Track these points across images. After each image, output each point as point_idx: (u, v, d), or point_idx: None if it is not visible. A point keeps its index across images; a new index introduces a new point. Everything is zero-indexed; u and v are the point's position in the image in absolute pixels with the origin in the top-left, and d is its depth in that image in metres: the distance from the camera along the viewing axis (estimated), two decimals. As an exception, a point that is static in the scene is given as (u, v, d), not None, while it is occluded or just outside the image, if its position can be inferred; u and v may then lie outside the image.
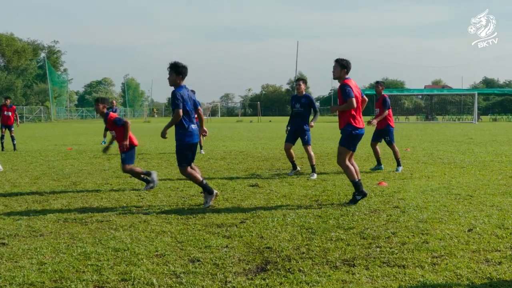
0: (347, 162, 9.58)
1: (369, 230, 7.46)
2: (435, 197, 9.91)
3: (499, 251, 6.40)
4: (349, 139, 9.59)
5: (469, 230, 7.36)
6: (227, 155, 19.15)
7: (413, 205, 9.12)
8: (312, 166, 13.23)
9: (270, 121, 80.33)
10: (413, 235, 7.12)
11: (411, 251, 6.41)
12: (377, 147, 14.35)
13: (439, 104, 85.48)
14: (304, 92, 13.27)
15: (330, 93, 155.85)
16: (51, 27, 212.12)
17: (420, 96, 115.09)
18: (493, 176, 12.73)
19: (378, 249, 6.51)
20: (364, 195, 9.38)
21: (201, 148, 20.01)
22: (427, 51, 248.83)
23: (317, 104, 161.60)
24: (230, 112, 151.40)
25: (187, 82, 9.72)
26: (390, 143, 14.25)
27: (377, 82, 14.49)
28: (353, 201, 9.33)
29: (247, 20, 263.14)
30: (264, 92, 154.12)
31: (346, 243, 6.82)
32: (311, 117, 13.46)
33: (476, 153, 19.01)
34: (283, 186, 11.53)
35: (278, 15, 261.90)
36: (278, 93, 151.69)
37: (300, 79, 13.44)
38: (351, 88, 9.48)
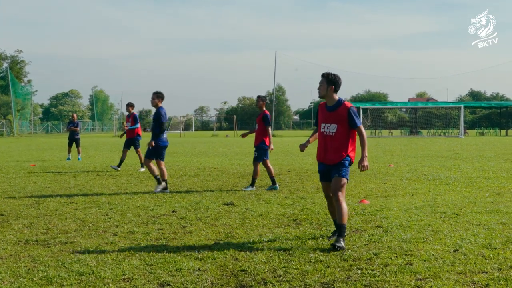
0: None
1: (349, 251, 7.45)
2: (420, 216, 9.95)
3: (486, 272, 6.42)
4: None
5: (454, 251, 7.39)
6: (201, 171, 19.10)
7: (396, 224, 9.14)
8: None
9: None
10: (396, 256, 7.13)
11: (394, 273, 6.41)
12: (269, 165, 14.25)
13: (424, 117, 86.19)
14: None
15: (310, 106, 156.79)
16: (14, 36, 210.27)
17: (404, 109, 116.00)
18: (480, 193, 12.82)
19: (359, 272, 6.50)
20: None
21: (141, 166, 19.91)
22: (411, 62, 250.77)
23: (296, 117, 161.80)
24: (204, 126, 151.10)
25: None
26: (256, 160, 14.12)
27: (258, 97, 14.49)
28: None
29: (223, 31, 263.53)
30: (240, 105, 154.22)
31: (326, 265, 6.81)
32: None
33: (462, 169, 19.16)
34: (260, 205, 11.51)
35: (255, 26, 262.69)
36: (256, 106, 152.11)
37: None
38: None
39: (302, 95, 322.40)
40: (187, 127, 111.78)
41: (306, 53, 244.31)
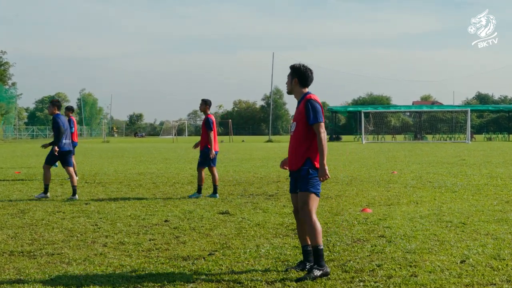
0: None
1: (351, 262, 7.46)
2: (425, 225, 9.97)
3: (495, 284, 6.44)
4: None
5: (461, 262, 7.40)
6: (195, 178, 19.07)
7: (400, 234, 9.15)
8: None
9: (243, 141, 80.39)
10: (400, 268, 7.13)
11: (398, 285, 6.42)
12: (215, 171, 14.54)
13: (429, 121, 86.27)
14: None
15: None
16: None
17: (408, 113, 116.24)
18: (488, 202, 12.85)
19: (361, 284, 6.51)
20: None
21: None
22: (415, 64, 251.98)
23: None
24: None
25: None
26: (200, 165, 14.45)
27: (202, 100, 14.90)
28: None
29: (217, 30, 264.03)
30: (236, 108, 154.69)
31: (327, 277, 6.81)
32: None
33: (469, 176, 19.19)
34: (257, 214, 11.51)
35: (252, 25, 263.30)
36: (252, 110, 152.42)
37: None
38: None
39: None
40: (180, 132, 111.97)
41: (305, 53, 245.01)
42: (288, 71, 7.38)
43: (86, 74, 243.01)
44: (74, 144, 20.68)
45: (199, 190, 14.30)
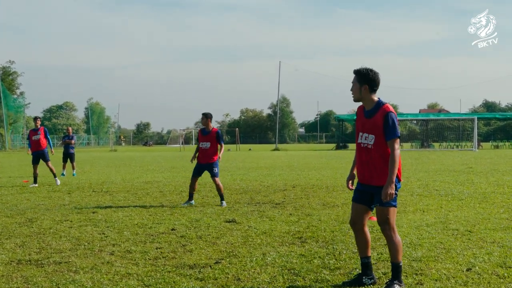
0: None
1: (357, 270, 7.46)
2: (431, 233, 9.96)
3: (501, 292, 6.44)
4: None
5: (467, 270, 7.40)
6: (202, 187, 19.11)
7: (406, 242, 9.15)
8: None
9: (250, 149, 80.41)
10: (406, 276, 7.14)
11: (404, 293, 6.41)
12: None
13: (436, 129, 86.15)
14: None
15: (316, 118, 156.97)
16: (6, 46, 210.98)
17: (415, 121, 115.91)
18: (495, 210, 12.82)
19: (367, 292, 6.51)
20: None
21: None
22: (421, 72, 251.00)
23: (302, 130, 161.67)
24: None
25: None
26: (217, 175, 14.83)
27: (204, 114, 15.13)
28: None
29: (224, 39, 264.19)
30: (243, 117, 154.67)
31: (333, 285, 6.82)
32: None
33: (476, 184, 19.16)
34: (263, 222, 11.52)
35: (258, 35, 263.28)
36: (259, 118, 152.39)
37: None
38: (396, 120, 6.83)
39: (308, 107, 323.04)
40: (187, 140, 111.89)
41: (311, 62, 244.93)
42: (294, 79, 7.25)
43: (94, 83, 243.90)
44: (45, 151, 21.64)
45: (222, 197, 14.70)
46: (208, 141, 14.78)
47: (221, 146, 14.88)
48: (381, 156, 6.72)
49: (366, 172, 6.88)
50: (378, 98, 6.88)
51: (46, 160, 21.63)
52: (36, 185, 20.59)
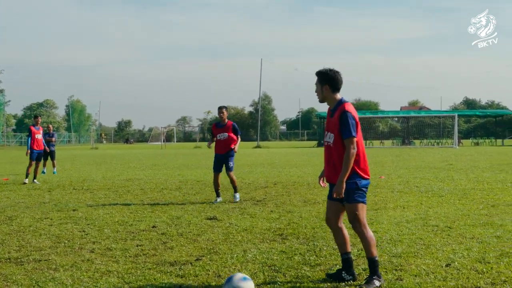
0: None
1: (338, 266, 7.49)
2: (411, 229, 10.02)
3: (479, 287, 6.49)
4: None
5: (447, 265, 7.45)
6: (183, 184, 19.09)
7: (386, 238, 9.20)
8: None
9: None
10: (386, 272, 7.17)
11: (384, 289, 6.45)
12: None
13: (417, 127, 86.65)
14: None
15: (298, 115, 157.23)
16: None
17: (396, 119, 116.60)
18: (474, 206, 12.92)
19: (347, 288, 6.54)
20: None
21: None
22: (403, 69, 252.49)
23: (283, 127, 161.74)
24: (187, 137, 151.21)
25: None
26: (232, 169, 14.84)
27: (224, 107, 15.16)
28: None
29: (206, 37, 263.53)
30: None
31: (313, 281, 6.84)
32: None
33: (456, 180, 19.28)
34: (244, 219, 11.53)
35: (240, 32, 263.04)
36: (241, 116, 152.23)
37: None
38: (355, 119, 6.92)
39: (290, 104, 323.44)
40: (168, 138, 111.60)
41: (293, 60, 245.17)
42: (276, 77, 7.33)
43: (74, 81, 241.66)
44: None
45: (236, 189, 14.83)
46: (225, 132, 14.80)
47: (238, 138, 14.91)
48: (340, 155, 6.81)
49: (327, 170, 7.06)
50: (341, 97, 6.98)
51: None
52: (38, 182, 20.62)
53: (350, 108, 6.85)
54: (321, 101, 7.08)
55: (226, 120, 14.97)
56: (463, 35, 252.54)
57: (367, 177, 6.90)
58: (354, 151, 6.67)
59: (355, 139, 6.69)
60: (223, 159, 14.70)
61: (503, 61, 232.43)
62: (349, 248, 7.05)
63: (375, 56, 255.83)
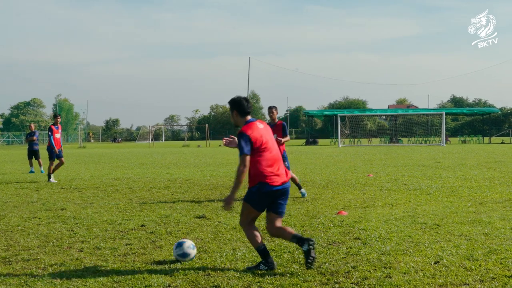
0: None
1: (327, 264, 7.51)
2: (399, 227, 10.05)
3: (468, 284, 6.52)
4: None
5: (435, 263, 7.49)
6: (172, 183, 19.06)
7: (375, 236, 9.23)
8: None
9: (220, 145, 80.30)
10: (375, 269, 7.20)
11: (373, 286, 6.48)
12: None
13: (404, 125, 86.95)
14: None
15: (286, 113, 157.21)
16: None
17: (384, 117, 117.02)
18: (462, 203, 12.97)
19: (337, 285, 6.56)
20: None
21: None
22: (391, 68, 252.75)
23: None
24: (175, 136, 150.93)
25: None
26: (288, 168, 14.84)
27: (274, 107, 15.07)
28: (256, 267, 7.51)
29: (193, 35, 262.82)
30: (213, 113, 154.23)
31: (302, 279, 6.85)
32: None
33: (444, 178, 19.36)
34: (233, 218, 11.53)
35: (228, 31, 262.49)
36: (229, 114, 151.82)
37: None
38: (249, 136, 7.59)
39: (278, 103, 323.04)
40: (156, 137, 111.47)
41: (282, 58, 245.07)
42: (264, 75, 7.58)
43: (62, 80, 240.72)
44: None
45: (300, 186, 14.88)
46: (274, 133, 14.37)
47: (286, 137, 14.60)
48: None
49: None
50: (250, 119, 7.81)
51: (60, 157, 21.50)
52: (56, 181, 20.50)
53: (245, 129, 7.63)
54: (235, 124, 7.97)
55: (277, 120, 14.84)
56: (452, 34, 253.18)
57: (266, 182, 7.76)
58: (242, 167, 7.53)
59: (244, 157, 7.53)
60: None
61: (493, 60, 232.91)
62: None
63: (363, 54, 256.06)
